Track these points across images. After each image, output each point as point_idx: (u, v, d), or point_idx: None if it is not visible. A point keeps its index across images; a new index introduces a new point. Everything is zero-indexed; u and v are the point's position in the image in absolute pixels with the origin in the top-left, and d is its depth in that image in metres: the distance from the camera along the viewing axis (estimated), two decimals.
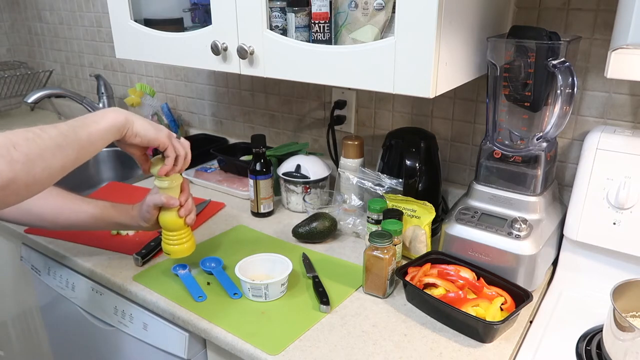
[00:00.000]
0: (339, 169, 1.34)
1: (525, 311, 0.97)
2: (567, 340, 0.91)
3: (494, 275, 0.99)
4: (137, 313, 1.08)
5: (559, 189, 1.17)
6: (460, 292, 0.95)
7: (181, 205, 1.01)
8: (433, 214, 1.10)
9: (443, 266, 1.02)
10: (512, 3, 1.12)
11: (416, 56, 0.86)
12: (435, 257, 1.06)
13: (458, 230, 1.04)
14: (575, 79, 0.91)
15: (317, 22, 1.01)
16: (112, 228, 1.16)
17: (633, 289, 0.85)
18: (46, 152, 0.75)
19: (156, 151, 0.96)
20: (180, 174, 1.01)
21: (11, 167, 0.69)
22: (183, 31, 1.27)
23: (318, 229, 1.20)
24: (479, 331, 0.89)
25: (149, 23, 1.29)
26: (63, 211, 1.07)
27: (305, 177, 1.34)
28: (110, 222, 1.09)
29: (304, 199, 1.33)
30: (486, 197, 1.06)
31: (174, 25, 1.31)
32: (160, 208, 1.02)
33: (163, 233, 1.04)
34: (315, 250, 1.19)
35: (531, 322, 0.96)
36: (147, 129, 0.90)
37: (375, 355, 0.86)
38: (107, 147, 1.92)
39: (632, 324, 0.76)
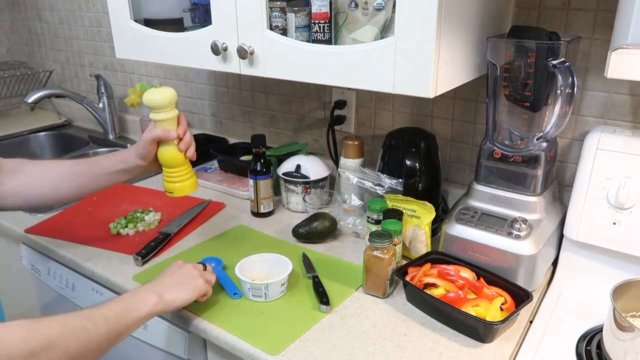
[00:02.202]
0: (339, 169, 1.34)
1: (525, 311, 0.97)
2: (567, 340, 0.91)
3: (494, 275, 0.99)
4: None
5: (559, 189, 1.17)
6: (460, 292, 0.95)
7: (180, 139, 1.00)
8: (433, 214, 1.10)
9: (443, 266, 1.02)
10: (512, 3, 1.12)
11: (416, 56, 0.86)
12: (435, 257, 1.06)
13: (458, 230, 1.04)
14: (575, 79, 0.91)
15: (317, 22, 1.01)
16: (113, 178, 1.09)
17: (633, 289, 0.85)
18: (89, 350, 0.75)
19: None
20: (175, 107, 1.00)
21: None
22: (183, 31, 1.27)
23: (318, 229, 1.20)
24: (479, 331, 0.89)
25: (149, 23, 1.29)
26: (62, 181, 1.05)
27: (305, 177, 1.34)
28: (109, 172, 1.06)
29: (304, 199, 1.33)
30: (486, 197, 1.06)
31: (174, 25, 1.31)
32: (159, 144, 1.00)
33: (164, 171, 1.03)
34: (315, 250, 1.19)
35: (531, 322, 0.96)
36: (184, 300, 0.90)
37: (375, 355, 0.87)
38: (106, 147, 1.91)
39: (632, 324, 0.76)
